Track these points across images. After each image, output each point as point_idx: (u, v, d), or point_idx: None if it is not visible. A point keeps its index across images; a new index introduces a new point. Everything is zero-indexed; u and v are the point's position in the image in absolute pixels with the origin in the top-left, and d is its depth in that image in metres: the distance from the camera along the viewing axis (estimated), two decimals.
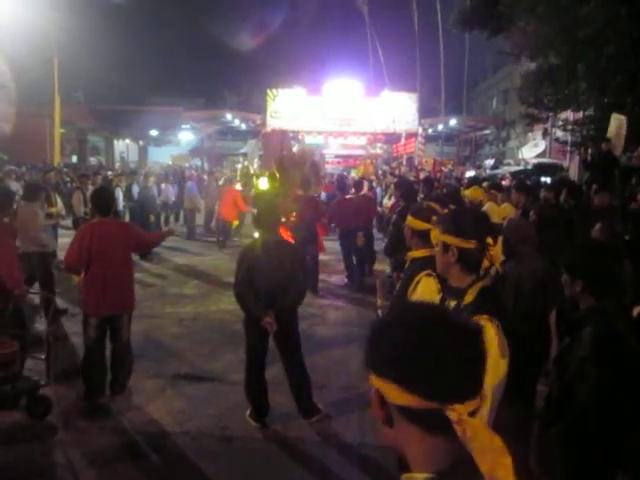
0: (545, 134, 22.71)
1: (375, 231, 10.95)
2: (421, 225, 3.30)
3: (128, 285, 4.86)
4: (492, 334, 1.97)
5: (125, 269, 4.83)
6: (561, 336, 2.75)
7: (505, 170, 20.01)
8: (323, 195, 13.64)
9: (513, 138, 29.68)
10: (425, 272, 3.00)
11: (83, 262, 4.62)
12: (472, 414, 1.00)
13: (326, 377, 5.23)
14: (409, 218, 3.39)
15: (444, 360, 0.99)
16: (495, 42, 16.74)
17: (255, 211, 5.41)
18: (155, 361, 5.67)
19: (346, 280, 9.44)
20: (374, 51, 28.35)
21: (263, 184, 11.36)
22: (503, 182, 13.83)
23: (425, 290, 2.96)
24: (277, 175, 9.60)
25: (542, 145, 24.78)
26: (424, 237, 3.25)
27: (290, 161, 9.80)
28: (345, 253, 9.49)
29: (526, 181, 8.26)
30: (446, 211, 3.78)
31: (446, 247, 2.37)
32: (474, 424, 0.97)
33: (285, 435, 4.29)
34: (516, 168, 19.91)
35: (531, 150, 25.13)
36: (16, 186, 11.99)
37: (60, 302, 7.15)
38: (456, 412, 0.97)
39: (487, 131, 31.62)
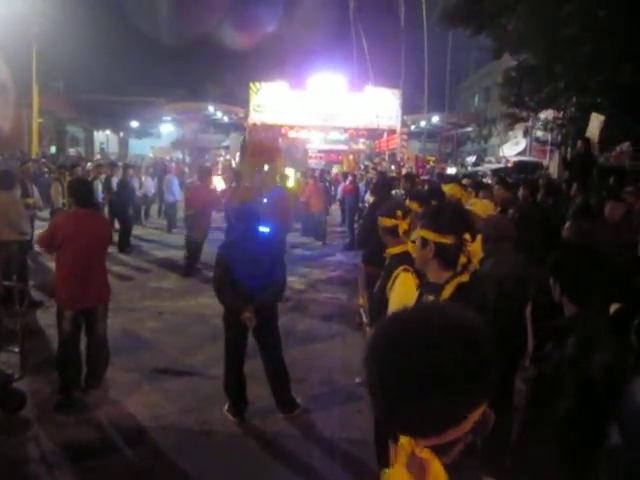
0: (526, 133, 22.98)
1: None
2: (388, 222, 3.43)
3: (102, 277, 4.80)
4: None
5: (99, 261, 4.78)
6: (539, 334, 2.72)
7: (486, 167, 20.19)
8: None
9: (494, 136, 29.95)
10: (402, 267, 3.04)
11: (52, 249, 4.62)
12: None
13: (306, 371, 5.23)
14: (379, 218, 3.51)
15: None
16: (478, 40, 16.85)
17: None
18: (133, 355, 5.61)
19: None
20: (359, 46, 28.37)
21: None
22: (484, 179, 13.99)
23: (403, 285, 2.99)
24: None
25: (523, 143, 25.06)
26: (394, 233, 3.39)
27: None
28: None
29: (507, 178, 8.33)
30: (420, 207, 3.84)
31: (424, 242, 2.39)
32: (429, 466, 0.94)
33: (264, 429, 4.27)
34: (497, 165, 20.11)
35: (512, 148, 25.38)
36: None
37: (35, 294, 7.04)
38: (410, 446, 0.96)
39: (469, 128, 31.83)
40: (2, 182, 6.94)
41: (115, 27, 26.46)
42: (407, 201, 4.84)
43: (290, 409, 4.46)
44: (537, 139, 18.07)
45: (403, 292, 2.95)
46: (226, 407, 4.45)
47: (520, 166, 18.06)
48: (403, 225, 3.40)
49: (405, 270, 3.02)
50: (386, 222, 3.46)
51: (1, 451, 3.87)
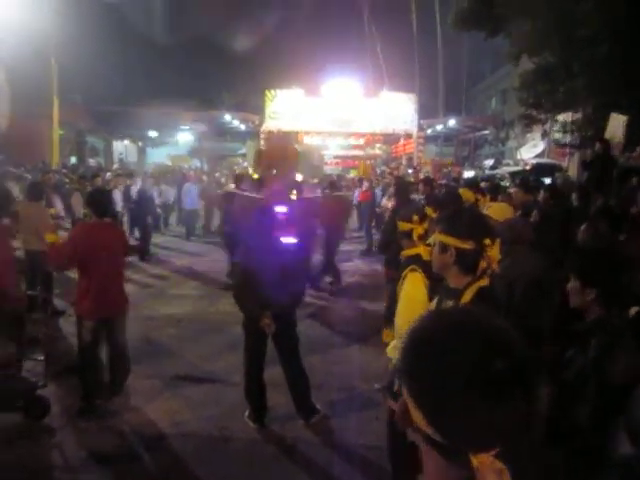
0: (544, 135, 22.74)
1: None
2: (404, 226, 3.54)
3: (121, 288, 4.85)
4: None
5: (118, 272, 4.84)
6: (560, 342, 2.69)
7: (504, 170, 20.01)
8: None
9: (512, 138, 29.68)
10: (410, 268, 3.10)
11: (72, 262, 4.62)
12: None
13: (324, 377, 5.23)
14: (397, 222, 3.61)
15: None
16: (494, 42, 16.75)
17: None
18: (154, 362, 5.66)
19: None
20: (373, 52, 28.41)
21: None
22: (502, 182, 13.87)
23: (410, 285, 3.05)
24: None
25: (541, 146, 24.79)
26: (409, 237, 3.50)
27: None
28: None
29: (528, 181, 8.23)
30: (436, 212, 3.88)
31: (444, 247, 2.38)
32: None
33: (284, 436, 4.29)
34: (515, 168, 19.91)
35: (530, 151, 25.13)
36: (15, 187, 11.97)
37: (58, 303, 7.15)
38: (478, 459, 0.93)
39: (486, 131, 31.62)
40: (31, 193, 7.09)
41: (131, 40, 26.87)
42: (425, 205, 4.86)
43: (310, 415, 4.46)
44: (556, 141, 17.85)
45: (411, 292, 3.01)
46: (247, 414, 4.47)
47: (538, 169, 17.86)
48: (418, 229, 3.47)
49: (412, 270, 3.08)
50: (403, 226, 3.56)
51: (25, 457, 3.93)
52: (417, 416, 0.94)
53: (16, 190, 10.73)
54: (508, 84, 30.67)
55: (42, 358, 4.52)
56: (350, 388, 5.11)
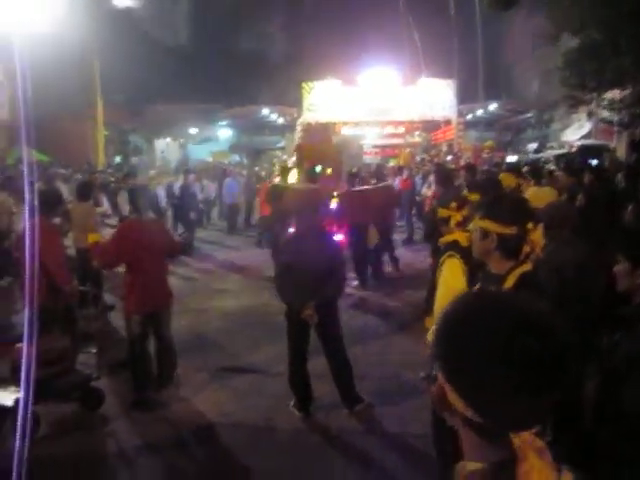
0: (590, 115, 21.95)
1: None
2: (443, 212, 3.56)
3: (165, 282, 4.99)
4: None
5: (163, 267, 4.98)
6: (607, 326, 2.62)
7: (549, 154, 19.47)
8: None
9: (556, 120, 28.79)
10: (448, 253, 3.09)
11: (119, 259, 4.79)
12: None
13: (368, 367, 5.24)
14: (437, 210, 3.62)
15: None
16: (533, 22, 16.24)
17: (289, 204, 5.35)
18: (201, 354, 5.80)
19: (355, 282, 8.39)
20: (410, 38, 27.98)
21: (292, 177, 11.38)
22: (547, 166, 13.49)
23: (448, 270, 3.03)
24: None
25: (587, 126, 23.94)
26: (447, 223, 3.49)
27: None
28: (354, 252, 8.45)
29: (573, 164, 7.97)
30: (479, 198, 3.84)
31: (485, 233, 2.36)
32: (532, 455, 0.93)
33: (329, 425, 4.33)
34: (560, 151, 19.34)
35: (575, 132, 24.32)
36: (64, 188, 12.41)
37: (108, 298, 7.40)
38: (520, 439, 0.94)
39: (528, 114, 30.74)
40: (80, 193, 7.36)
41: (170, 40, 27.36)
42: (467, 192, 4.79)
43: (354, 405, 4.48)
44: (603, 119, 17.19)
45: (449, 278, 3.00)
46: (292, 403, 4.53)
47: (584, 150, 17.30)
48: (456, 217, 3.46)
49: (450, 256, 3.06)
50: (442, 212, 3.58)
51: (82, 445, 4.12)
52: (455, 399, 0.94)
53: (65, 190, 11.12)
54: (551, 64, 29.74)
55: (95, 351, 4.71)
56: (394, 377, 5.11)
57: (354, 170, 9.87)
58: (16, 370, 4.22)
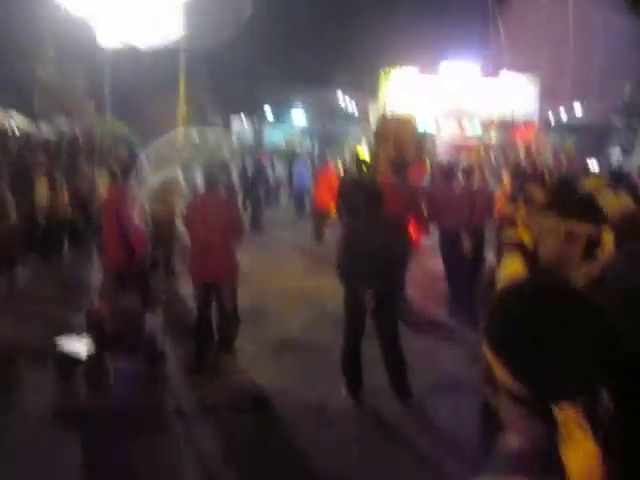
0: None
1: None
2: (509, 212, 3.74)
3: (225, 258, 5.04)
4: None
5: (222, 242, 5.01)
6: None
7: (637, 161, 18.44)
8: None
9: None
10: (509, 250, 3.07)
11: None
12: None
13: (419, 361, 5.23)
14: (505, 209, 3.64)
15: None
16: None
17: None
18: (259, 328, 5.99)
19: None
20: (493, 29, 27.04)
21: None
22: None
23: (509, 263, 2.99)
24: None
25: None
26: (514, 222, 3.46)
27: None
28: (446, 264, 7.30)
29: None
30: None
31: (556, 233, 2.31)
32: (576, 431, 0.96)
33: (378, 410, 4.40)
34: None
35: None
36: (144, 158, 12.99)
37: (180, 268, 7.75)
38: (564, 413, 0.97)
39: (617, 119, 29.14)
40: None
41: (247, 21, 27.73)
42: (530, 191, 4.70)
43: (406, 393, 4.51)
44: None
45: (508, 270, 2.95)
46: (342, 386, 4.61)
47: None
48: (522, 216, 3.43)
49: (512, 253, 3.02)
50: (507, 212, 3.57)
51: (144, 400, 4.40)
52: (501, 372, 0.99)
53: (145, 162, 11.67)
54: None
55: (161, 314, 5.01)
56: (444, 371, 5.09)
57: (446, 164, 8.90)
58: (92, 324, 4.58)
